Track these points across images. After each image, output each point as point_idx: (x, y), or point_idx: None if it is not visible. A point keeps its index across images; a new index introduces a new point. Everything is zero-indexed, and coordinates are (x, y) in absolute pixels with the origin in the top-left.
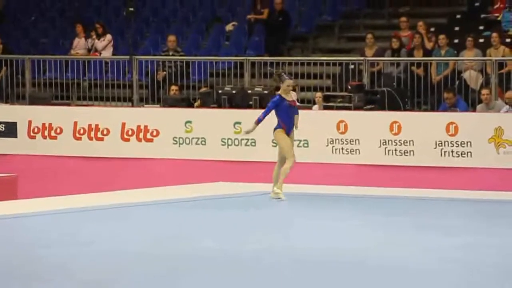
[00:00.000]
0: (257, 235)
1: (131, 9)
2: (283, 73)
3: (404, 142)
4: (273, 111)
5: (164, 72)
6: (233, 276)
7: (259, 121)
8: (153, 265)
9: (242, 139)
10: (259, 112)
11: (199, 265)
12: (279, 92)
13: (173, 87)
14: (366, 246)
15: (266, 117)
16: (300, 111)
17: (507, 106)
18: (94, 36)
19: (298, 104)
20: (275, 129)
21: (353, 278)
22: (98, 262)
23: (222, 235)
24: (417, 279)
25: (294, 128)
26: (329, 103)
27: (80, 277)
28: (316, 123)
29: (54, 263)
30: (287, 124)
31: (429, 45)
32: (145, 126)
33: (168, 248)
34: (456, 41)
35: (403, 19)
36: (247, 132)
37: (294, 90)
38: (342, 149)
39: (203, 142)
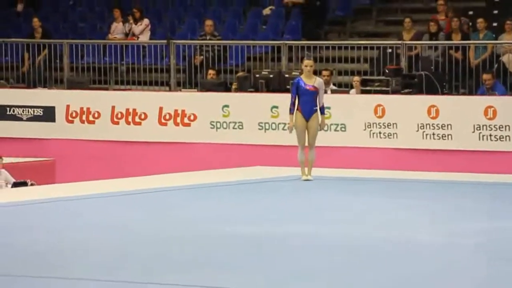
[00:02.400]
0: (299, 218)
1: None
2: (307, 54)
3: (442, 126)
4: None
5: (202, 57)
6: (278, 259)
7: (291, 111)
8: (193, 247)
9: (279, 123)
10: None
11: (243, 247)
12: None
13: (211, 71)
14: (404, 228)
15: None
16: (337, 96)
17: None
18: (132, 21)
19: (329, 89)
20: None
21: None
22: (133, 245)
23: (263, 218)
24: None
25: (319, 125)
26: (366, 87)
27: (115, 260)
28: (353, 107)
29: (90, 247)
30: (302, 108)
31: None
32: (183, 111)
33: (207, 230)
34: (494, 24)
35: (441, 2)
36: (290, 127)
37: (331, 74)
38: (380, 133)
39: (240, 127)
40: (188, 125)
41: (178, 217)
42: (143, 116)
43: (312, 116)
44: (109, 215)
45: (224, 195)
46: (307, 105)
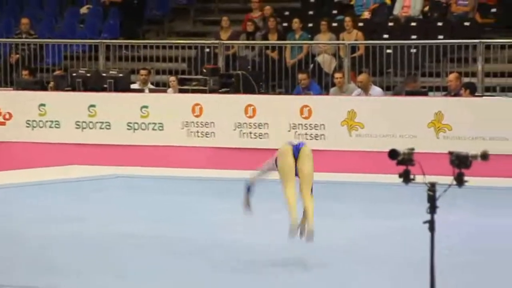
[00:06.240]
0: (112, 217)
1: None
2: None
3: (259, 125)
4: None
5: (17, 55)
6: (90, 256)
7: None
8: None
9: (97, 122)
10: (114, 95)
11: (58, 246)
12: None
13: (24, 72)
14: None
15: None
16: (154, 95)
17: (359, 90)
18: None
19: (147, 88)
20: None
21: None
22: None
23: (76, 217)
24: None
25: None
26: (184, 86)
27: None
28: (171, 107)
29: None
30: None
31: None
32: None
33: (24, 231)
34: (310, 25)
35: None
36: None
37: (149, 73)
38: (198, 132)
39: (57, 125)
40: (3, 124)
41: None
42: None
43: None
44: None
45: (39, 194)
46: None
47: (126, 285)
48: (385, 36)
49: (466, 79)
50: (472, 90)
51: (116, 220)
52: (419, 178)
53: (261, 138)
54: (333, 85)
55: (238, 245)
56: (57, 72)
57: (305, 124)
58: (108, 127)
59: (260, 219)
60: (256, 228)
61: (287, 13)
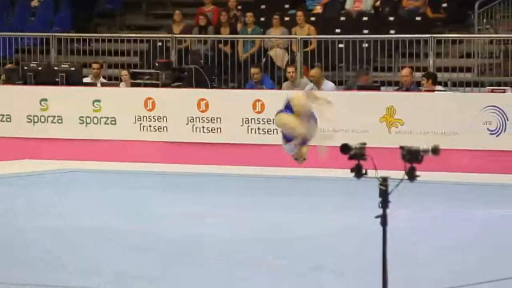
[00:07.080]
0: (67, 211)
1: None
2: None
3: (211, 120)
4: None
5: None
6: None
7: None
8: None
9: (48, 116)
10: (66, 89)
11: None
12: None
13: None
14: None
15: None
16: (107, 89)
17: (312, 84)
18: None
19: (99, 82)
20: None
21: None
22: None
23: (30, 212)
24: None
25: None
26: (136, 80)
27: None
28: (123, 101)
29: None
30: None
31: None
32: None
33: None
34: (262, 19)
35: None
36: None
37: (102, 67)
38: (150, 126)
39: (8, 119)
40: None
41: None
42: None
43: None
44: None
45: None
46: None
47: (80, 278)
48: (337, 30)
49: (418, 74)
50: (434, 80)
51: (71, 214)
52: (371, 173)
53: (213, 132)
54: (286, 79)
55: (192, 239)
56: (8, 66)
57: (258, 118)
58: (60, 121)
59: (214, 212)
60: (211, 222)
61: (240, 7)
